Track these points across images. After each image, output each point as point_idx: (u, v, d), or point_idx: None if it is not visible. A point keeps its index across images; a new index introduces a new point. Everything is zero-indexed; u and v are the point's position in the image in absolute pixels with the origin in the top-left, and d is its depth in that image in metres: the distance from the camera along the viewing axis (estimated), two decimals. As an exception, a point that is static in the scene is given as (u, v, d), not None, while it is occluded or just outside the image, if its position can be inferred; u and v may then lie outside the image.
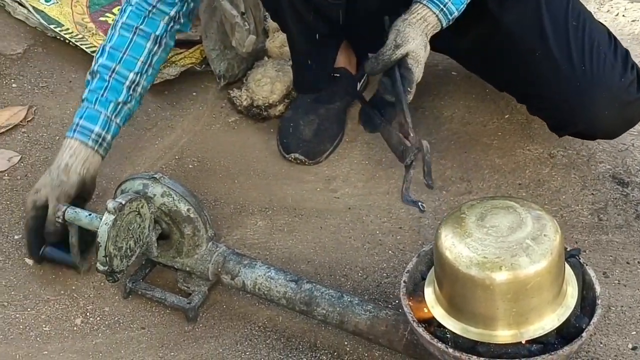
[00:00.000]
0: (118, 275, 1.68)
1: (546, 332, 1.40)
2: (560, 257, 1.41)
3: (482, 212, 1.43)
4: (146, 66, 1.92)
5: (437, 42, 1.77)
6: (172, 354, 1.71)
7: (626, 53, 1.90)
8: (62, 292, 1.84)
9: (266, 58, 2.40)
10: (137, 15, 1.91)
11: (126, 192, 1.71)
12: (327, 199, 2.06)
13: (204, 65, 2.42)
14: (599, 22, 1.96)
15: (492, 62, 1.98)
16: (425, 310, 1.48)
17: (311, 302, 1.66)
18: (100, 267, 1.64)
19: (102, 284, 1.84)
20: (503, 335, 1.40)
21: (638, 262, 1.83)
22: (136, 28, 1.90)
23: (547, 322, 1.40)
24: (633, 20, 2.56)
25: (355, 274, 1.86)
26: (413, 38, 1.67)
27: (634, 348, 1.66)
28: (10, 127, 2.25)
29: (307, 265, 1.88)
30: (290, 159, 2.15)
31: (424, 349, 1.50)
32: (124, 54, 1.90)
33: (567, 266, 1.47)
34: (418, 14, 1.70)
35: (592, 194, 1.99)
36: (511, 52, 1.91)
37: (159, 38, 1.93)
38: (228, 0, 2.21)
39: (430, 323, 1.48)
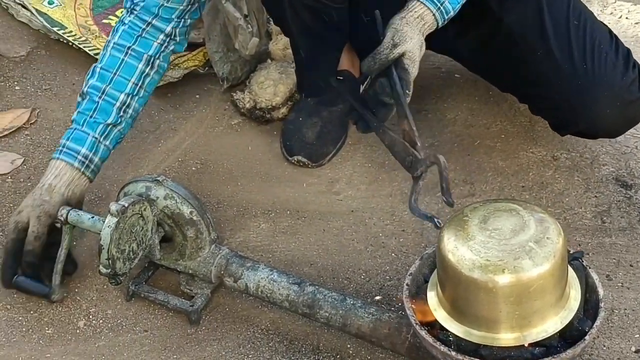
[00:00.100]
0: (121, 278, 1.68)
1: (549, 335, 1.40)
2: (563, 260, 1.41)
3: (484, 215, 1.43)
4: (137, 87, 1.89)
5: (439, 43, 1.76)
6: (175, 356, 1.71)
7: (627, 52, 1.90)
8: (64, 294, 1.83)
9: (269, 60, 2.40)
10: (130, 35, 1.89)
11: (129, 195, 1.71)
12: (330, 201, 2.06)
13: (207, 68, 2.42)
14: (600, 21, 1.96)
15: (493, 63, 1.98)
16: (428, 313, 1.48)
17: (314, 304, 1.66)
18: (103, 270, 1.64)
19: (105, 286, 1.84)
20: (506, 338, 1.40)
21: (641, 264, 1.83)
22: (128, 48, 1.88)
23: (550, 325, 1.40)
24: (636, 23, 2.56)
25: (358, 276, 1.86)
26: (410, 37, 1.65)
27: (637, 351, 1.66)
28: (14, 129, 2.25)
29: (309, 267, 1.88)
30: (293, 161, 2.15)
31: (427, 352, 1.50)
32: (115, 74, 1.87)
33: (570, 269, 1.47)
34: (415, 12, 1.68)
35: (596, 196, 1.98)
36: (512, 52, 1.91)
37: (152, 59, 1.90)
38: (231, 2, 2.21)
39: (433, 326, 1.48)
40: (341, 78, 2.18)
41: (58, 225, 1.73)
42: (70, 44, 2.44)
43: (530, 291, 1.36)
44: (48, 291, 1.75)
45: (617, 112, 1.85)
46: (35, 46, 2.50)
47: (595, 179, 2.02)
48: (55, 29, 2.45)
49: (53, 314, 1.80)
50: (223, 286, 1.79)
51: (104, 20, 2.51)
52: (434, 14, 1.68)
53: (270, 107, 2.26)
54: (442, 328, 1.46)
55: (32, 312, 1.80)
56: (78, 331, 1.77)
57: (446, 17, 1.71)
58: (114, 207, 1.61)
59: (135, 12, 1.90)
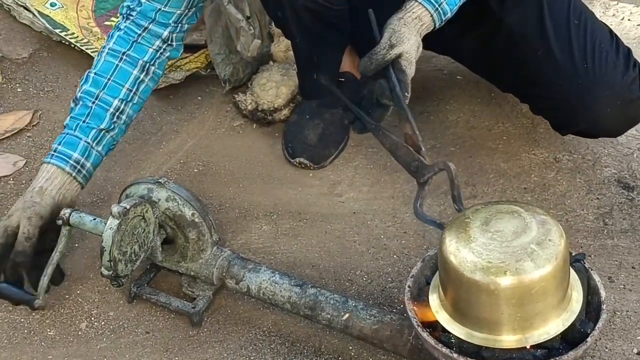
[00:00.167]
0: (122, 280, 1.68)
1: (551, 337, 1.40)
2: (565, 262, 1.40)
3: (486, 217, 1.42)
4: (131, 94, 1.87)
5: (439, 43, 1.76)
6: (177, 358, 1.71)
7: (628, 51, 1.90)
8: (66, 296, 1.84)
9: (271, 62, 2.40)
10: (125, 41, 1.88)
11: (131, 197, 1.71)
12: (332, 203, 2.06)
13: (209, 70, 2.43)
14: (601, 21, 1.96)
15: (494, 63, 1.98)
16: (430, 315, 1.48)
17: (316, 306, 1.66)
18: (105, 272, 1.64)
19: (107, 288, 1.84)
20: (508, 340, 1.40)
21: (644, 266, 1.83)
22: (123, 54, 1.87)
23: (552, 327, 1.40)
24: (639, 25, 2.55)
25: (360, 278, 1.86)
26: (408, 38, 1.63)
27: (639, 353, 1.65)
28: (16, 131, 2.25)
29: (311, 269, 1.88)
30: (295, 163, 2.15)
31: (429, 354, 1.50)
32: (109, 80, 1.85)
33: (572, 271, 1.46)
34: (414, 12, 1.65)
35: (598, 198, 1.98)
36: (513, 52, 1.91)
37: (147, 65, 1.89)
38: (233, 4, 2.21)
39: (435, 328, 1.48)
40: (343, 80, 2.19)
41: (59, 223, 1.71)
42: (73, 45, 2.45)
43: (532, 293, 1.36)
44: (31, 298, 1.70)
45: (618, 111, 1.85)
46: (38, 48, 2.50)
47: (597, 180, 2.02)
48: (57, 30, 2.45)
49: (55, 315, 1.80)
50: (225, 288, 1.79)
51: (106, 22, 2.51)
52: (431, 15, 1.66)
53: (272, 109, 2.26)
54: (444, 330, 1.46)
55: (33, 314, 1.80)
56: (80, 333, 1.77)
57: (444, 18, 1.69)
58: (115, 209, 1.61)
59: (132, 18, 1.89)
